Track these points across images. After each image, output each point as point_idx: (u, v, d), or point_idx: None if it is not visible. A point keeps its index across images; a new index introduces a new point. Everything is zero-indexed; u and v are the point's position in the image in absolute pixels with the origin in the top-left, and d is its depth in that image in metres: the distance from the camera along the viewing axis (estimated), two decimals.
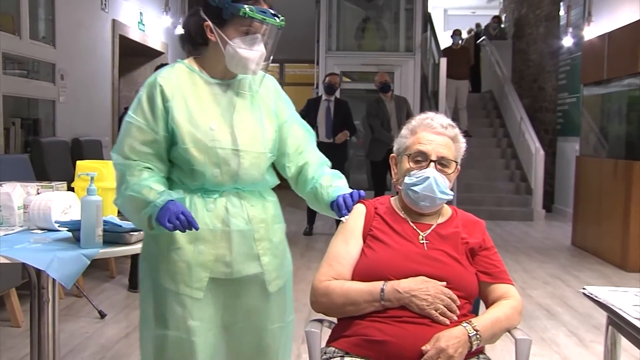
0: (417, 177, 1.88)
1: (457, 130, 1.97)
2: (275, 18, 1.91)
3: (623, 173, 6.19)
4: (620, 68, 6.42)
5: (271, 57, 2.00)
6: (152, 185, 1.87)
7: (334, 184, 2.06)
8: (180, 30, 6.07)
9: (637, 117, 6.26)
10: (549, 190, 10.14)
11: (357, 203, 1.99)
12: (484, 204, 9.29)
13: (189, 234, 1.86)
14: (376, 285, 1.78)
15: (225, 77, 2.00)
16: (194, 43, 1.99)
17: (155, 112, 1.89)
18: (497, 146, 10.99)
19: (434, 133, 1.93)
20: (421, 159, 1.91)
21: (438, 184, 1.87)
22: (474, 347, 1.74)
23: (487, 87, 12.79)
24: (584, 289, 1.96)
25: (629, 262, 5.98)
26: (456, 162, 1.94)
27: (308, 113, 7.59)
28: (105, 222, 2.34)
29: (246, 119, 1.99)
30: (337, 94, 8.00)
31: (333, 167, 7.25)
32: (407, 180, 1.90)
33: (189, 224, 1.80)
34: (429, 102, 10.57)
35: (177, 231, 1.81)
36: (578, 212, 7.34)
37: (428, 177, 1.87)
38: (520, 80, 12.08)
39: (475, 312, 1.93)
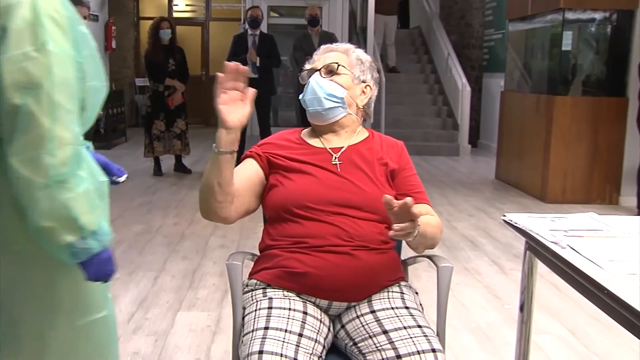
0: (306, 90, 1.94)
1: (350, 46, 2.00)
2: None
3: (544, 107, 6.35)
4: (543, 4, 6.50)
5: None
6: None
7: None
8: None
9: (558, 52, 6.39)
10: (474, 125, 10.35)
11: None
12: (412, 139, 9.39)
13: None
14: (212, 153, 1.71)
15: None
16: None
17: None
18: (424, 82, 11.07)
19: (326, 51, 1.98)
20: (311, 75, 1.95)
21: (321, 87, 1.90)
22: (413, 236, 1.62)
23: (416, 23, 12.78)
24: (504, 216, 2.00)
25: (548, 193, 6.21)
26: (346, 67, 1.93)
27: (236, 50, 7.41)
28: None
29: None
30: (265, 28, 7.83)
31: (259, 102, 7.11)
32: (300, 96, 1.95)
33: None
34: (357, 37, 10.48)
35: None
36: (502, 146, 7.53)
37: (309, 83, 1.92)
38: (448, 16, 12.12)
39: (397, 248, 1.94)
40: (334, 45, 2.00)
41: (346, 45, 2.00)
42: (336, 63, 1.92)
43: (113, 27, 11.12)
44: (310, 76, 1.94)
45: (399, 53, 11.01)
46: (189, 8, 13.88)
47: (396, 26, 11.12)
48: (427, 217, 1.80)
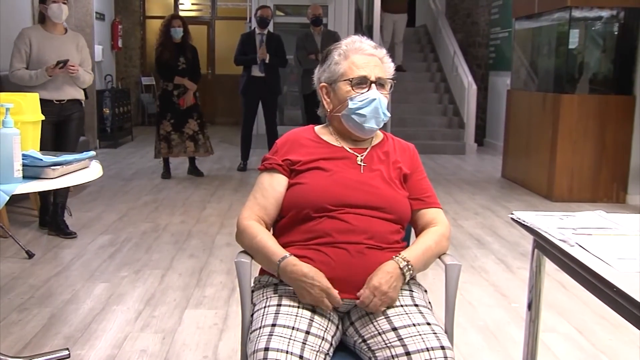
0: (361, 101, 1.86)
1: (384, 51, 1.96)
2: None
3: (551, 106, 6.33)
4: (550, 2, 6.47)
5: None
6: None
7: None
8: None
9: (565, 51, 6.37)
10: (480, 124, 10.32)
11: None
12: (418, 138, 9.38)
13: None
14: (275, 257, 1.76)
15: None
16: None
17: None
18: (430, 81, 11.05)
19: (367, 55, 1.91)
20: (361, 82, 1.89)
21: (382, 105, 1.88)
22: (408, 278, 1.76)
23: (421, 21, 12.76)
24: (512, 214, 2.00)
25: (555, 192, 6.19)
26: (391, 79, 1.93)
27: (244, 49, 7.42)
28: (25, 156, 2.23)
29: None
30: (270, 27, 7.84)
31: (266, 101, 7.16)
32: (351, 105, 1.87)
33: None
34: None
35: None
36: (508, 145, 7.51)
37: (374, 99, 1.86)
38: (454, 14, 12.09)
39: (407, 239, 1.94)
40: (372, 49, 1.91)
41: (383, 51, 1.93)
42: (385, 79, 1.90)
43: (119, 26, 11.15)
44: (366, 86, 1.87)
45: (405, 51, 10.97)
46: (194, 7, 13.88)
47: (405, 24, 11.04)
48: (424, 240, 1.85)
